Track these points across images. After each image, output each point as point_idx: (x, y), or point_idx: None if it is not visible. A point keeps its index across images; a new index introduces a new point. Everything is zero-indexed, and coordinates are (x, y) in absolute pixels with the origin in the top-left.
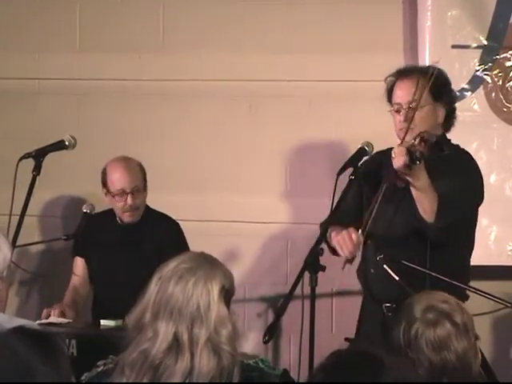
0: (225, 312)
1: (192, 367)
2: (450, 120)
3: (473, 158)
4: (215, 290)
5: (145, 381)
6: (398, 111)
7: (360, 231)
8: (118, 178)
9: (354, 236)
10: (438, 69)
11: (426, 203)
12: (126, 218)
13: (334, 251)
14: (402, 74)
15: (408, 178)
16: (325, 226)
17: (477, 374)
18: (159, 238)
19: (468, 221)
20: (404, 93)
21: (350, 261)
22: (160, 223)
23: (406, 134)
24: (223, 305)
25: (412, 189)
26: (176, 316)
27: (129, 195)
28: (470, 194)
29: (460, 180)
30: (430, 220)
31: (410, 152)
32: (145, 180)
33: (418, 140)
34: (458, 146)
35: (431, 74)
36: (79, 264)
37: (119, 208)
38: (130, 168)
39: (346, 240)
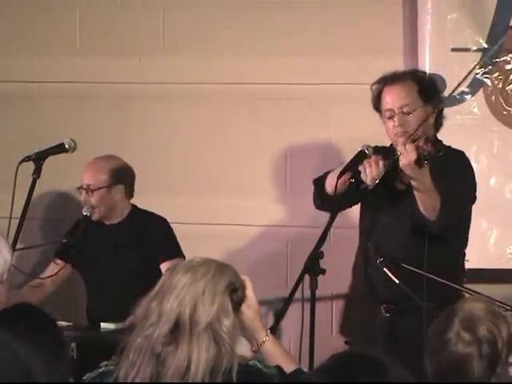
0: (229, 305)
1: (190, 355)
2: (439, 121)
3: (467, 157)
4: (223, 282)
5: (148, 367)
6: (390, 117)
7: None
8: (82, 173)
9: (381, 163)
10: (424, 72)
11: (428, 203)
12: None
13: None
14: (388, 80)
15: (412, 180)
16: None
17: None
18: (148, 236)
19: (464, 219)
20: (394, 98)
21: (365, 187)
22: (147, 222)
23: (405, 138)
24: (228, 299)
25: (415, 190)
26: (181, 297)
27: (83, 191)
28: (469, 193)
29: (459, 179)
30: (432, 218)
31: (417, 153)
32: (111, 182)
33: (422, 141)
34: (449, 146)
35: (419, 76)
36: (56, 264)
37: None
38: (94, 166)
39: (372, 164)
